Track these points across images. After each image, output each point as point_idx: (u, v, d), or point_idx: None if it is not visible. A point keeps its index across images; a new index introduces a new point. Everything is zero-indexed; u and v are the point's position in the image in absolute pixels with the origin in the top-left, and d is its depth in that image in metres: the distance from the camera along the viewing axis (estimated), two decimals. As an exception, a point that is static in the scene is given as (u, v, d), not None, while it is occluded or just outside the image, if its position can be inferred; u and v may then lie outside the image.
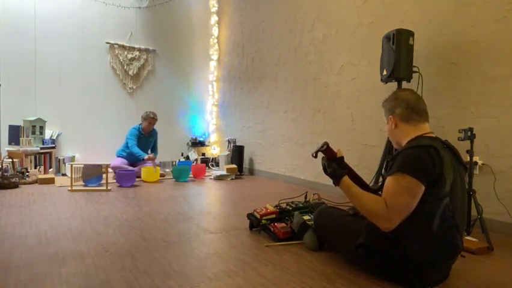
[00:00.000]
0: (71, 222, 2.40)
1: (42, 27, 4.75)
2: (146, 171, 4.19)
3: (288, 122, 4.43)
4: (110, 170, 4.31)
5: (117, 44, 5.33)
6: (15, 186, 3.66)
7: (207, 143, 6.16)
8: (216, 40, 5.98)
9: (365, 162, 3.38)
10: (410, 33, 2.64)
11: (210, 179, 4.60)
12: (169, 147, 5.69)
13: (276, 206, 2.35)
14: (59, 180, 4.16)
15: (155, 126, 4.80)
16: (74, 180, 3.61)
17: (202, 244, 2.03)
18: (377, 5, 3.28)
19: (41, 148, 4.50)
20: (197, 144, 6.04)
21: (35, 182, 3.96)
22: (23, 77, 4.66)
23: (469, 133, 2.22)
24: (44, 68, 4.79)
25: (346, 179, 1.62)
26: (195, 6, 6.08)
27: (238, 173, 4.79)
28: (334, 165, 1.65)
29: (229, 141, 5.46)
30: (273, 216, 2.23)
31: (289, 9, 4.39)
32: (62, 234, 2.13)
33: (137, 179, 4.17)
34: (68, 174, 4.09)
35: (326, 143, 1.67)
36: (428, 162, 1.40)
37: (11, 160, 4.08)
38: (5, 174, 3.71)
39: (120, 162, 4.43)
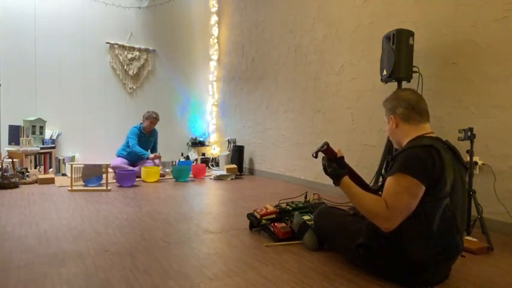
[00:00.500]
0: (71, 222, 2.40)
1: (42, 27, 4.75)
2: (147, 171, 4.19)
3: (288, 122, 4.43)
4: (110, 170, 4.31)
5: (117, 44, 5.33)
6: (15, 186, 3.66)
7: (207, 143, 6.16)
8: (216, 40, 5.98)
9: (365, 162, 3.38)
10: (410, 33, 2.64)
11: (210, 179, 4.60)
12: (169, 147, 5.70)
13: (276, 206, 2.35)
14: (59, 180, 4.16)
15: (156, 126, 4.80)
16: (74, 180, 3.61)
17: (202, 244, 2.03)
18: (377, 5, 3.28)
19: (41, 148, 4.50)
20: (197, 144, 6.04)
21: (35, 182, 3.96)
22: (23, 77, 4.66)
23: (469, 133, 2.23)
24: (44, 68, 4.79)
25: (346, 179, 1.62)
26: (195, 6, 6.08)
27: (238, 173, 4.79)
28: (334, 165, 1.65)
29: (229, 141, 5.46)
30: (273, 216, 2.23)
31: (289, 9, 4.39)
32: (62, 234, 2.13)
33: (137, 179, 4.17)
34: (68, 174, 4.09)
35: (326, 143, 1.67)
36: (429, 163, 1.40)
37: (11, 160, 4.08)
38: (5, 174, 3.71)
39: (120, 162, 4.43)
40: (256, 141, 5.07)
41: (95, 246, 1.94)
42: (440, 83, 2.76)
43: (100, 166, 3.79)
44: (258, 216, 2.23)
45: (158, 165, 4.48)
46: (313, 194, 2.63)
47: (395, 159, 1.51)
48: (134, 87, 5.53)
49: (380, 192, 1.60)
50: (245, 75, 5.28)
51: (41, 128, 4.60)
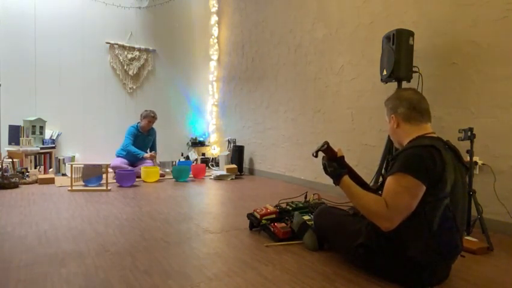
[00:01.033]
0: (71, 222, 2.40)
1: (42, 27, 4.75)
2: (146, 171, 4.19)
3: (288, 122, 4.43)
4: (110, 170, 4.31)
5: (117, 44, 5.33)
6: (15, 186, 3.66)
7: (207, 143, 6.16)
8: (216, 40, 5.98)
9: (365, 162, 3.38)
10: (410, 33, 2.64)
11: (210, 179, 4.60)
12: (169, 147, 5.70)
13: (276, 206, 2.35)
14: (59, 180, 4.16)
15: (154, 125, 4.80)
16: (74, 180, 3.61)
17: (202, 244, 2.03)
18: (377, 5, 3.28)
19: (41, 148, 4.50)
20: (197, 144, 6.04)
21: (35, 182, 3.96)
22: (23, 77, 4.66)
23: (469, 133, 2.22)
24: (44, 68, 4.79)
25: (346, 178, 1.61)
26: (195, 6, 6.08)
27: (238, 173, 4.79)
28: (334, 164, 1.65)
29: (229, 141, 5.46)
30: (273, 216, 2.23)
31: (289, 9, 4.39)
32: (62, 234, 2.13)
33: (137, 179, 4.17)
34: (68, 174, 4.09)
35: (327, 143, 1.67)
36: (430, 163, 1.40)
37: (11, 160, 4.08)
38: (5, 174, 3.71)
39: (120, 162, 4.43)
40: (256, 141, 5.07)
41: (95, 246, 1.94)
42: (440, 83, 2.76)
43: (100, 166, 3.79)
44: (258, 216, 2.23)
45: (154, 165, 4.46)
46: (313, 194, 2.63)
47: (395, 159, 1.51)
48: (134, 87, 5.53)
49: (380, 192, 1.60)
50: (245, 75, 5.28)
51: (41, 128, 4.60)
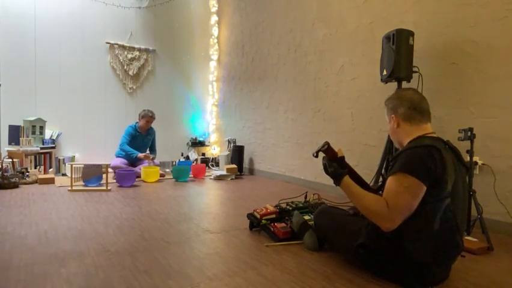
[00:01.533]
0: (71, 222, 2.40)
1: (42, 27, 4.75)
2: (146, 171, 4.19)
3: (288, 122, 4.43)
4: (110, 170, 4.31)
5: (117, 44, 5.33)
6: (15, 186, 3.66)
7: (207, 143, 6.16)
8: (216, 40, 5.98)
9: (365, 162, 3.38)
10: (410, 33, 2.64)
11: (210, 179, 4.60)
12: (169, 147, 5.70)
13: (276, 206, 2.35)
14: (59, 180, 4.16)
15: (154, 125, 4.80)
16: (74, 180, 3.61)
17: (202, 244, 2.03)
18: (377, 5, 3.28)
19: (41, 148, 4.50)
20: (197, 144, 6.04)
21: (35, 182, 3.96)
22: (23, 77, 4.66)
23: (469, 133, 2.23)
24: (44, 68, 4.79)
25: (347, 178, 1.61)
26: (194, 6, 6.08)
27: (238, 173, 4.79)
28: (335, 165, 1.65)
29: (229, 141, 5.46)
30: (273, 216, 2.23)
31: (289, 9, 4.39)
32: (62, 234, 2.13)
33: (137, 179, 4.17)
34: (68, 174, 4.09)
35: (327, 143, 1.67)
36: (430, 163, 1.40)
37: (11, 160, 4.08)
38: (5, 174, 3.71)
39: (120, 162, 4.43)
40: (256, 141, 5.07)
41: (95, 246, 1.94)
42: (440, 83, 2.76)
43: (100, 166, 3.79)
44: (258, 216, 2.23)
45: (149, 165, 4.45)
46: (313, 194, 2.63)
47: (396, 159, 1.51)
48: (134, 87, 5.53)
49: (380, 192, 1.60)
50: (245, 75, 5.28)
51: (41, 128, 4.60)
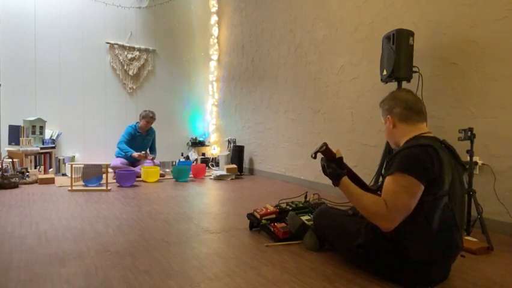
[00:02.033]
0: (71, 222, 2.40)
1: (42, 27, 4.75)
2: (146, 171, 4.20)
3: (288, 122, 4.43)
4: (110, 170, 4.31)
5: (117, 44, 5.34)
6: (15, 186, 3.66)
7: (207, 143, 6.17)
8: (216, 40, 5.98)
9: (365, 162, 3.38)
10: (410, 33, 2.64)
11: (210, 179, 4.60)
12: (169, 147, 5.70)
13: (276, 206, 2.35)
14: (59, 180, 4.16)
15: (154, 125, 4.80)
16: (74, 180, 3.61)
17: (202, 244, 2.03)
18: (377, 5, 3.28)
19: (41, 148, 4.50)
20: (197, 144, 6.04)
21: (35, 182, 3.96)
22: (23, 77, 4.66)
23: (469, 133, 2.23)
24: (44, 68, 4.79)
25: (345, 179, 1.62)
26: (194, 6, 6.08)
27: (238, 173, 4.79)
28: (333, 165, 1.65)
29: (229, 141, 5.46)
30: (273, 216, 2.23)
31: (289, 9, 4.39)
32: (62, 234, 2.13)
33: (137, 179, 4.17)
34: (68, 174, 4.09)
35: (325, 144, 1.67)
36: (427, 162, 1.41)
37: (11, 160, 4.08)
38: (5, 174, 3.72)
39: (120, 162, 4.43)
40: (256, 141, 5.07)
41: (95, 246, 1.94)
42: (440, 83, 2.76)
43: (100, 166, 3.79)
44: (258, 216, 2.23)
45: (143, 165, 4.44)
46: (313, 194, 2.63)
47: (393, 159, 1.52)
48: (134, 87, 5.53)
49: (379, 192, 1.60)
50: (245, 75, 5.28)
51: (41, 128, 4.60)
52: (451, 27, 2.69)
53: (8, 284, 1.46)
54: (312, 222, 2.00)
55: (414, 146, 1.47)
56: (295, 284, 1.53)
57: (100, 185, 3.79)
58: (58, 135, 4.88)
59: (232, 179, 4.61)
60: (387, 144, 2.77)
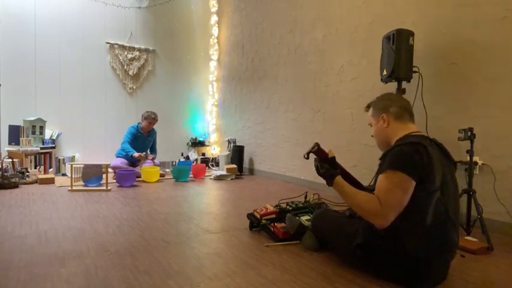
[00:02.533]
0: (71, 222, 2.40)
1: (42, 27, 4.75)
2: (147, 171, 4.19)
3: (288, 122, 4.43)
4: (110, 170, 4.31)
5: (117, 44, 5.34)
6: (15, 186, 3.66)
7: (207, 143, 6.17)
8: (216, 40, 5.98)
9: (365, 162, 3.37)
10: (410, 33, 2.64)
11: (210, 179, 4.60)
12: (169, 147, 5.70)
13: (276, 206, 2.35)
14: (59, 180, 4.16)
15: (154, 126, 4.80)
16: (74, 180, 3.61)
17: (202, 244, 2.03)
18: (377, 5, 3.28)
19: (41, 148, 4.50)
20: (197, 144, 6.04)
21: (35, 182, 3.96)
22: (23, 77, 4.66)
23: (469, 133, 2.23)
24: (44, 68, 4.79)
25: (339, 178, 1.64)
26: (195, 6, 6.08)
27: (238, 173, 4.79)
28: (326, 165, 1.68)
29: (229, 141, 5.46)
30: (273, 216, 2.23)
31: (289, 9, 4.39)
32: (62, 234, 2.13)
33: (137, 179, 4.17)
34: (68, 174, 4.09)
35: (317, 144, 1.69)
36: (417, 158, 1.45)
37: (11, 160, 4.08)
38: (5, 174, 3.72)
39: (120, 162, 4.43)
40: (256, 141, 5.07)
41: (95, 246, 1.94)
42: (440, 83, 2.76)
43: (100, 166, 3.79)
44: (258, 216, 2.23)
45: (141, 166, 4.43)
46: (313, 194, 2.63)
47: (384, 158, 1.57)
48: (134, 87, 5.54)
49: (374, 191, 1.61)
50: (245, 75, 5.28)
51: (41, 128, 4.60)
52: (451, 27, 2.69)
53: (8, 284, 1.46)
54: (310, 223, 2.01)
55: (404, 144, 1.52)
56: (295, 284, 1.53)
57: (100, 185, 3.79)
58: (58, 135, 4.88)
59: (232, 179, 4.61)
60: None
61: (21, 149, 4.32)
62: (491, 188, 2.41)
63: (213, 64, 6.03)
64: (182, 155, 5.74)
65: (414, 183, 1.44)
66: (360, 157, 3.43)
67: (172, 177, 4.44)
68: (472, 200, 2.21)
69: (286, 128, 4.45)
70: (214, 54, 5.98)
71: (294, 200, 2.57)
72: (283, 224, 2.14)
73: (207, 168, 5.33)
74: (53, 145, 4.68)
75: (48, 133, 4.73)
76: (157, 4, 5.65)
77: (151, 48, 5.65)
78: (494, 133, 2.43)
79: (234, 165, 4.75)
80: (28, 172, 4.06)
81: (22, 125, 4.47)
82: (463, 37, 2.61)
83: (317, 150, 1.68)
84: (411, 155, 1.46)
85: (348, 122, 3.58)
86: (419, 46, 2.81)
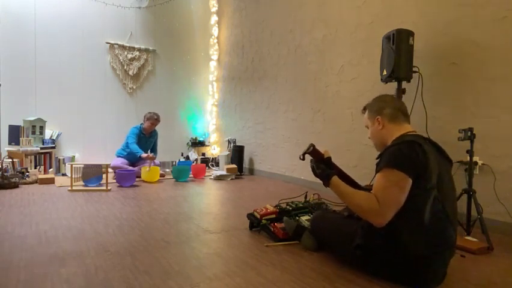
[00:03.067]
0: (71, 222, 2.40)
1: (42, 27, 4.75)
2: (146, 171, 4.19)
3: (288, 122, 4.43)
4: (110, 170, 4.31)
5: (117, 44, 5.34)
6: (15, 186, 3.66)
7: (207, 143, 6.16)
8: (216, 40, 5.98)
9: (364, 162, 3.37)
10: (410, 33, 2.64)
11: (210, 179, 4.60)
12: (169, 147, 5.70)
13: (276, 206, 2.35)
14: (59, 180, 4.16)
15: (155, 127, 4.80)
16: (74, 180, 3.61)
17: (202, 244, 2.03)
18: (377, 5, 3.28)
19: (41, 148, 4.50)
20: (197, 144, 6.04)
21: (35, 182, 3.96)
22: (23, 77, 4.66)
23: (469, 133, 2.23)
24: (44, 68, 4.79)
25: (335, 178, 1.65)
26: (195, 6, 6.08)
27: (238, 173, 4.79)
28: (322, 166, 1.69)
29: (229, 141, 5.46)
30: (273, 216, 2.23)
31: (289, 9, 4.39)
32: (62, 234, 2.13)
33: (137, 179, 4.17)
34: (68, 174, 4.09)
35: (312, 145, 1.70)
36: (413, 156, 1.47)
37: (11, 160, 4.08)
38: (5, 174, 3.71)
39: (120, 162, 4.43)
40: (256, 141, 5.07)
41: (95, 246, 1.94)
42: (440, 83, 2.76)
43: (100, 166, 3.79)
44: (258, 216, 2.23)
45: (150, 165, 4.43)
46: (313, 194, 2.63)
47: (381, 157, 1.58)
48: (134, 87, 5.53)
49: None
50: (245, 75, 5.28)
51: (41, 128, 4.60)
52: (451, 27, 2.69)
53: (8, 284, 1.46)
54: (309, 224, 2.01)
55: (401, 143, 1.54)
56: (295, 284, 1.53)
57: (100, 185, 3.79)
58: (58, 135, 4.87)
59: (232, 179, 4.61)
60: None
61: (21, 149, 4.32)
62: (491, 188, 2.41)
63: (213, 64, 6.03)
64: (182, 155, 5.73)
65: (411, 181, 1.45)
66: (360, 157, 3.43)
67: (172, 177, 4.44)
68: (472, 200, 2.21)
69: (286, 128, 4.45)
70: (214, 54, 5.98)
71: (294, 200, 2.57)
72: (283, 224, 2.14)
73: (207, 168, 5.33)
74: (53, 145, 4.68)
75: (48, 133, 4.73)
76: (157, 4, 5.65)
77: (151, 48, 5.65)
78: (494, 133, 2.43)
79: (234, 165, 4.75)
80: (28, 172, 4.06)
81: (22, 125, 4.47)
82: (463, 37, 2.61)
83: (312, 151, 1.69)
84: (407, 154, 1.47)
85: (348, 122, 3.58)
86: (419, 46, 2.81)
